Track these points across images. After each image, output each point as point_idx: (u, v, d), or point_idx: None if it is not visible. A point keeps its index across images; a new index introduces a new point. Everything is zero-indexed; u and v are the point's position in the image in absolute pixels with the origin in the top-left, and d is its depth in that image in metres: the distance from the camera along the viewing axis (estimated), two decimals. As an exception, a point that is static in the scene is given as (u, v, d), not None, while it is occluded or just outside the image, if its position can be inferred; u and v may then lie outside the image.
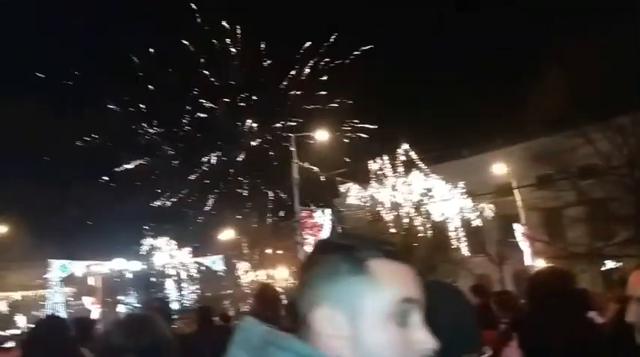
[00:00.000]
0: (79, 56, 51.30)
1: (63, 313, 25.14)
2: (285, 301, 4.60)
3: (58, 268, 27.09)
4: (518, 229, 23.96)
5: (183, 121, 29.75)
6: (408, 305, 0.84)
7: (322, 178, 25.63)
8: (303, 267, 0.91)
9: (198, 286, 32.81)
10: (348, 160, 25.68)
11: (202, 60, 29.18)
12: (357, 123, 27.95)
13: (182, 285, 32.55)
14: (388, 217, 22.33)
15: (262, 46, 28.47)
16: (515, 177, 24.23)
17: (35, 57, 50.90)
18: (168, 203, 30.29)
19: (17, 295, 33.05)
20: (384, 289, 0.83)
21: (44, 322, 3.27)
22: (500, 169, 25.16)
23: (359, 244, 0.88)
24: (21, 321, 35.75)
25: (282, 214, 28.04)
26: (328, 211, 20.52)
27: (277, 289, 4.51)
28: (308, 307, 0.86)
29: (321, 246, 0.93)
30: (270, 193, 29.60)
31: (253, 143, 29.82)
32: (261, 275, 28.01)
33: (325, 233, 19.53)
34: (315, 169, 24.73)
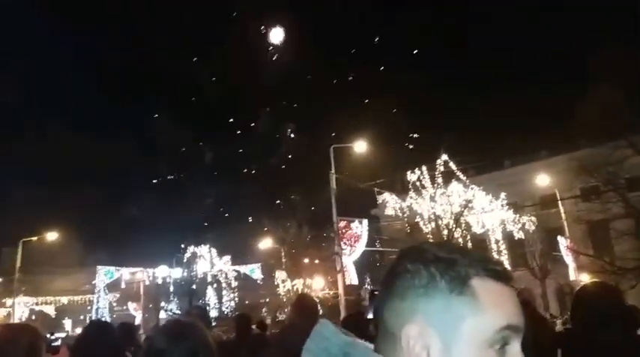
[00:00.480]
0: (123, 70, 53.33)
1: (107, 318, 25.93)
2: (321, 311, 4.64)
3: (103, 274, 27.94)
4: (562, 242, 23.29)
5: (226, 132, 30.32)
6: (510, 333, 0.75)
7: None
8: (392, 273, 0.82)
9: (236, 294, 33.18)
10: (387, 169, 25.51)
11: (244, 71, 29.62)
12: (397, 131, 27.83)
13: (221, 292, 32.98)
14: (427, 228, 22.07)
15: (303, 55, 28.64)
16: (559, 188, 23.58)
17: (79, 77, 53.16)
18: (210, 213, 30.90)
19: (64, 300, 34.20)
20: (487, 314, 0.75)
21: (91, 327, 3.41)
22: (543, 180, 24.55)
23: (461, 258, 0.79)
24: (68, 324, 37.11)
25: (319, 224, 28.11)
26: (366, 221, 20.35)
27: (314, 298, 4.56)
28: (396, 319, 0.78)
29: (415, 254, 0.82)
30: (309, 203, 29.70)
31: (292, 153, 30.06)
32: (298, 284, 28.10)
33: (362, 244, 19.37)
34: (355, 179, 24.69)
